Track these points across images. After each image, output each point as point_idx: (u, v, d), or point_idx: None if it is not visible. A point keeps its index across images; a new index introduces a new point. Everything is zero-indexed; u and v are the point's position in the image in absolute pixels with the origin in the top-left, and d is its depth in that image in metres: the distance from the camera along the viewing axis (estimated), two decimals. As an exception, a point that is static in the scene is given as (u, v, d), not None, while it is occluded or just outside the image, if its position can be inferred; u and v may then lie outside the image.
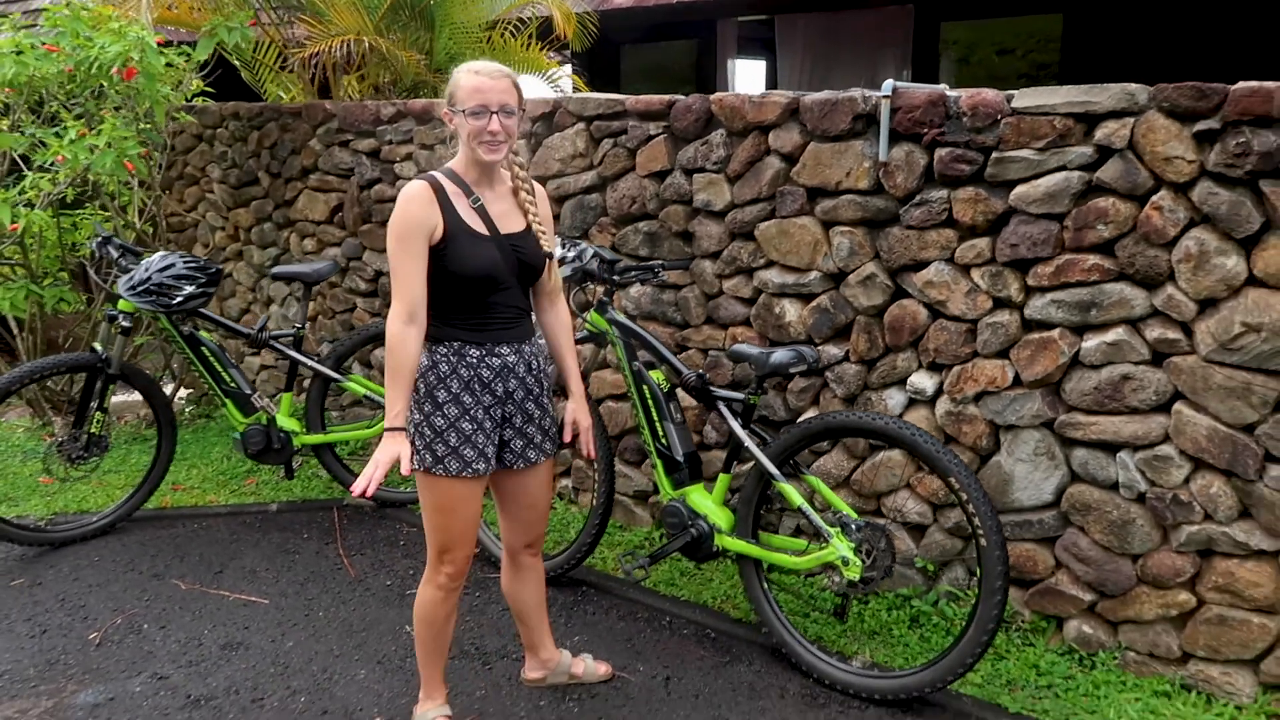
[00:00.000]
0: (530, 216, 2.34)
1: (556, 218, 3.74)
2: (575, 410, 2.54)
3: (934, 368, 2.96)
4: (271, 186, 4.87)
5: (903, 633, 3.00)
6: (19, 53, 4.08)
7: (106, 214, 4.97)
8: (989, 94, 2.70)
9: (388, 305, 4.46)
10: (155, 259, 3.55)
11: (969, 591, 3.01)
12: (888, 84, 2.84)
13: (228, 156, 5.05)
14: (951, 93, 2.78)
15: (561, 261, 2.95)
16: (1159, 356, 2.58)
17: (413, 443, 2.27)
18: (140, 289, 3.48)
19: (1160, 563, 2.64)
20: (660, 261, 3.30)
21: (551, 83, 5.20)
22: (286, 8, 5.04)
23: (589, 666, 2.80)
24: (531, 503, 2.49)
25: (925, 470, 3.00)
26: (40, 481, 4.45)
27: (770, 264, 3.22)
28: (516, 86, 2.26)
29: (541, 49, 5.35)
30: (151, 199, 5.11)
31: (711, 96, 3.24)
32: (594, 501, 3.26)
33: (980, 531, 2.48)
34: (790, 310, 3.19)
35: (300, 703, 2.74)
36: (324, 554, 3.71)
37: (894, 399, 3.03)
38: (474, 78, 2.20)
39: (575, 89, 5.22)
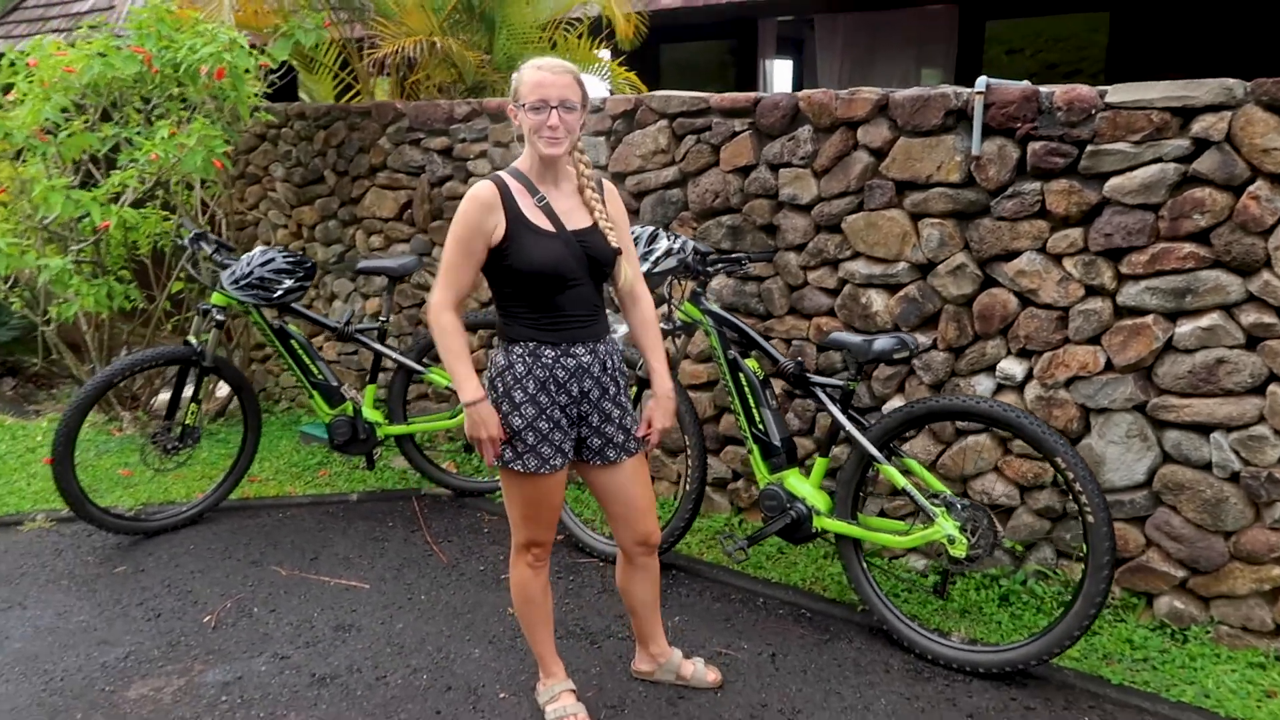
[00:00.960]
0: (596, 213, 2.35)
1: (636, 213, 3.84)
2: (654, 409, 2.47)
3: (1023, 354, 3.06)
4: (338, 184, 4.96)
5: (993, 610, 3.11)
6: (103, 55, 4.17)
7: (166, 214, 5.06)
8: (1083, 89, 2.81)
9: (458, 300, 4.60)
10: (256, 254, 3.65)
11: (1058, 570, 3.12)
12: (981, 80, 2.94)
13: (292, 155, 5.14)
14: (1045, 89, 2.88)
15: (667, 253, 3.06)
16: (1253, 340, 2.68)
17: None
18: (243, 283, 3.59)
19: (1254, 539, 2.75)
20: (746, 254, 3.40)
21: (612, 80, 5.29)
22: (349, 9, 5.14)
23: (698, 671, 2.75)
24: (626, 500, 2.49)
25: (1014, 453, 3.11)
26: (120, 474, 4.55)
27: (856, 255, 3.32)
28: (579, 83, 2.28)
29: (594, 47, 5.45)
30: (213, 198, 5.21)
31: (799, 94, 3.34)
32: (686, 486, 3.36)
33: (1088, 509, 2.58)
34: (877, 300, 3.29)
35: (423, 680, 2.84)
36: (411, 541, 3.81)
37: (983, 385, 3.14)
38: (536, 73, 2.24)
39: (632, 86, 5.32)
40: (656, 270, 3.03)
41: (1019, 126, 2.91)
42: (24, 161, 4.63)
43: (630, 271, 2.44)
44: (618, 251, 2.39)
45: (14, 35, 8.39)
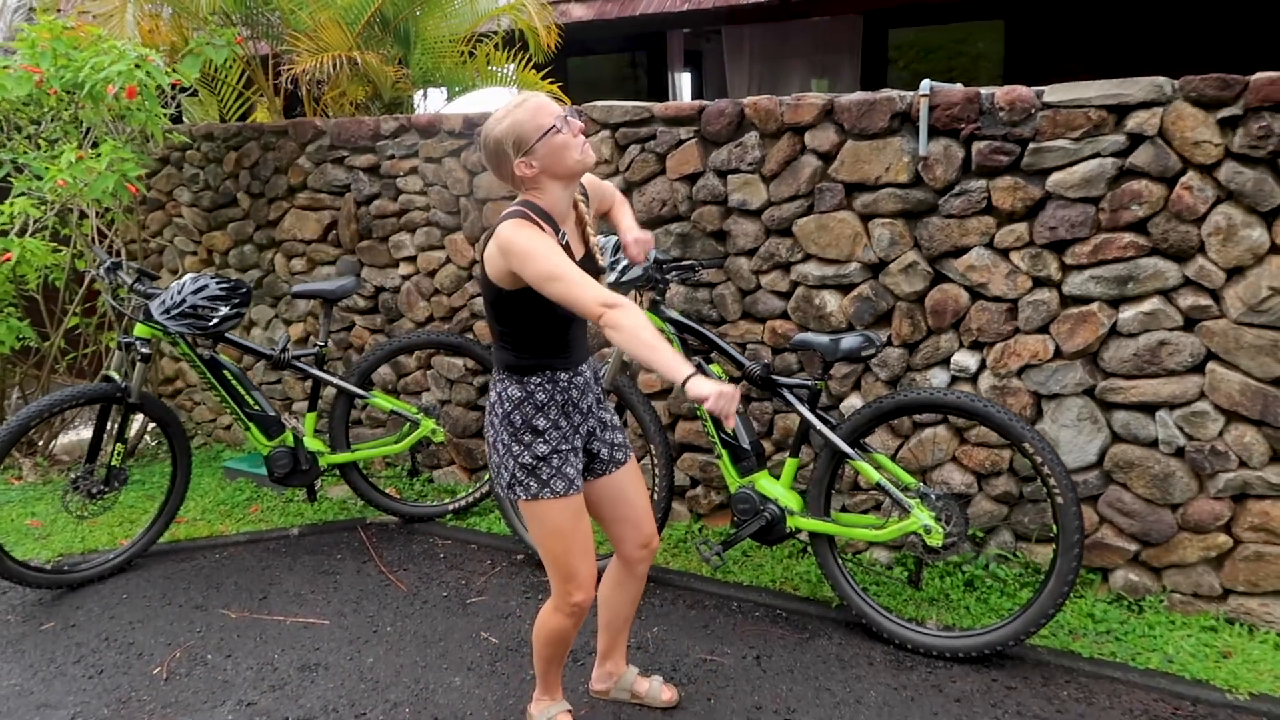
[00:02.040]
0: (588, 229, 2.31)
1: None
2: (628, 233, 2.46)
3: (975, 346, 3.18)
4: (252, 207, 4.75)
5: (960, 596, 3.20)
6: (-11, 75, 3.89)
7: (56, 245, 4.74)
8: (1023, 90, 2.94)
9: (389, 321, 4.47)
10: (186, 281, 3.45)
11: (1018, 553, 3.23)
12: (925, 83, 3.04)
13: (199, 178, 4.90)
14: (985, 90, 3.00)
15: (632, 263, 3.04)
16: (1191, 322, 2.85)
17: (513, 474, 2.27)
18: (175, 312, 3.38)
19: (1200, 509, 2.92)
20: (698, 260, 3.42)
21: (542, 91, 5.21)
22: (254, 25, 4.94)
23: (653, 689, 2.72)
24: (632, 500, 2.49)
25: (971, 442, 3.21)
26: (28, 524, 4.22)
27: (809, 257, 3.38)
28: None
29: (508, 60, 5.39)
30: (109, 225, 4.91)
31: (744, 100, 3.38)
32: (655, 496, 3.34)
33: (1056, 491, 2.69)
34: (831, 301, 3.36)
35: (405, 715, 2.73)
36: (365, 572, 3.67)
37: (938, 378, 3.24)
38: (525, 106, 2.13)
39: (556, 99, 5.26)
40: (624, 280, 3.01)
41: (963, 127, 3.02)
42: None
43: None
44: (604, 270, 2.41)
45: None
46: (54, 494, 4.50)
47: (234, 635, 3.21)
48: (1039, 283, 3.03)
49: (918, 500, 2.84)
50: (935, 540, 2.80)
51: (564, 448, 2.28)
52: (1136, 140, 2.81)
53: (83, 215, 4.74)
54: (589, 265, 2.31)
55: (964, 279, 3.12)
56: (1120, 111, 2.82)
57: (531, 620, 3.21)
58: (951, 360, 3.20)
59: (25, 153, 4.17)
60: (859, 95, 3.18)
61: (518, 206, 2.18)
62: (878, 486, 2.89)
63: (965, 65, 6.83)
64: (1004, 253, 3.06)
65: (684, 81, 7.34)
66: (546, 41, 4.93)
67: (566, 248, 2.21)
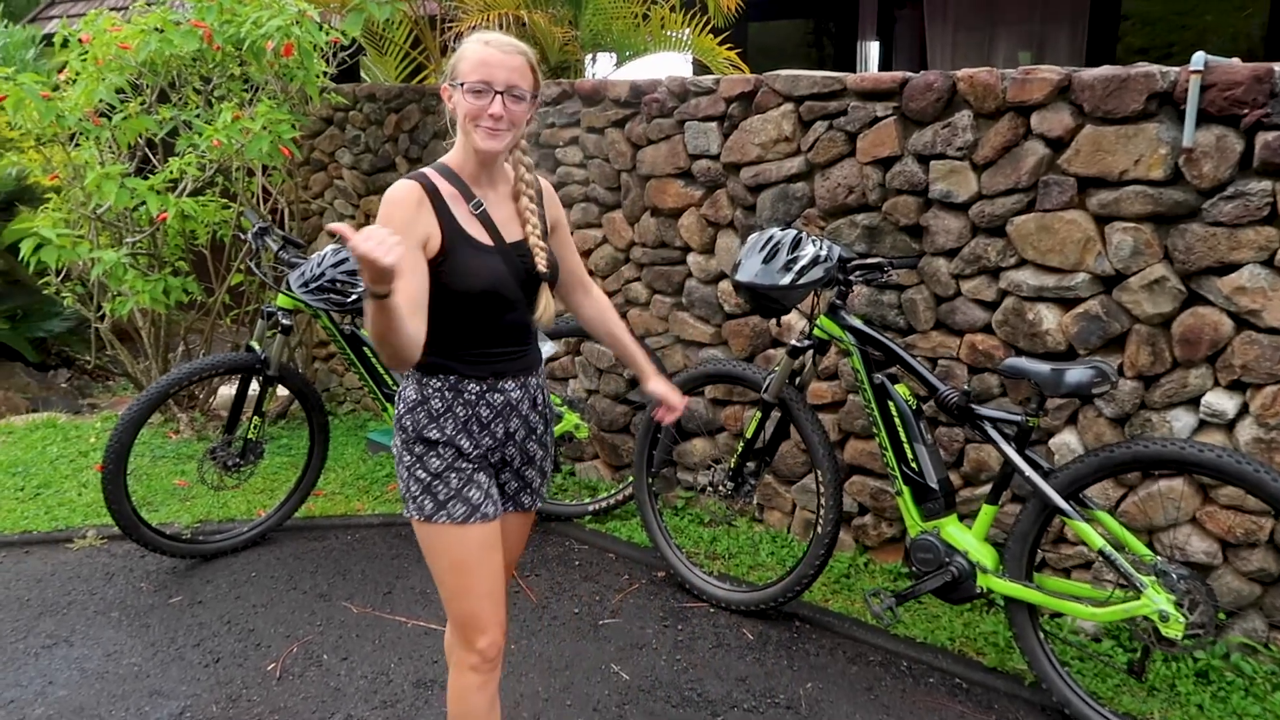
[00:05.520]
0: (529, 228, 1.92)
1: (752, 209, 3.38)
2: (662, 389, 2.15)
3: (1236, 386, 2.56)
4: (410, 172, 4.56)
5: (1189, 690, 2.61)
6: (160, 30, 3.82)
7: (225, 202, 4.72)
8: (1336, 67, 2.29)
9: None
10: (327, 252, 3.26)
11: (1270, 645, 2.61)
12: (1198, 57, 2.43)
13: (360, 140, 4.76)
14: (1281, 66, 2.37)
15: (814, 262, 2.60)
16: None
17: (407, 486, 1.90)
18: (313, 286, 3.20)
19: None
20: (887, 259, 2.93)
21: (711, 60, 4.76)
22: (425, -18, 4.74)
23: None
24: (508, 554, 2.09)
25: (1219, 504, 2.60)
26: (175, 484, 4.22)
27: (1024, 263, 2.83)
28: (532, 69, 1.86)
29: (686, 24, 4.98)
30: (275, 185, 4.85)
31: (958, 73, 2.85)
32: (819, 529, 2.91)
33: (1350, 589, 2.09)
34: (1048, 316, 2.80)
35: (520, 758, 2.44)
36: (494, 574, 3.40)
37: (1181, 421, 2.64)
38: (482, 48, 1.81)
39: (733, 66, 4.81)
40: (801, 282, 2.58)
41: (1245, 113, 2.40)
42: (77, 146, 4.32)
43: (572, 261, 2.09)
44: (553, 274, 1.97)
45: (73, 14, 8.14)
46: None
47: (353, 634, 3.02)
48: (1335, 314, 2.39)
49: (1153, 578, 2.29)
50: (1173, 631, 2.25)
51: (463, 465, 1.88)
52: None
53: (250, 173, 4.70)
54: (519, 251, 1.89)
55: (1229, 303, 2.51)
56: None
57: (668, 655, 2.87)
58: (1202, 401, 2.59)
59: (195, 110, 4.12)
60: (1106, 70, 2.60)
61: (426, 168, 1.90)
62: (1100, 554, 2.35)
63: (1190, 39, 5.92)
64: (1288, 273, 2.43)
65: (873, 51, 6.71)
66: (727, 4, 4.49)
67: (484, 217, 1.85)
